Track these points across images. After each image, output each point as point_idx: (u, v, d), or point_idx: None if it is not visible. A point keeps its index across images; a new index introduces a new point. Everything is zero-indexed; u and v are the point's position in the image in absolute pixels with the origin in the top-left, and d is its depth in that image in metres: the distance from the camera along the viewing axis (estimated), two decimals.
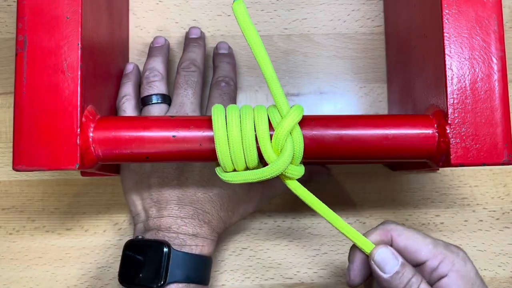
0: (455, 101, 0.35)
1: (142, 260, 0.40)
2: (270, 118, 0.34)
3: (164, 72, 0.45)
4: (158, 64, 0.45)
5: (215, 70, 0.46)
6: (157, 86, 0.43)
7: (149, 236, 0.41)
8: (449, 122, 0.34)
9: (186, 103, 0.42)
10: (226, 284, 0.48)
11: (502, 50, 0.35)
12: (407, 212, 0.49)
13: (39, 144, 0.33)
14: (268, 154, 0.34)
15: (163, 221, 0.41)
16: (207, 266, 0.42)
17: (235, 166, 0.34)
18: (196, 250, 0.41)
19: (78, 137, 0.33)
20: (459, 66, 0.35)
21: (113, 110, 0.44)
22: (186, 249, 0.40)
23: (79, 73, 0.34)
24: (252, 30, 0.34)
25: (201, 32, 0.48)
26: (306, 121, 0.35)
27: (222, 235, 0.46)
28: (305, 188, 0.36)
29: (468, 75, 0.35)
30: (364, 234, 0.37)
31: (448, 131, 0.34)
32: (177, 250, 0.39)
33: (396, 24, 0.47)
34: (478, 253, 0.49)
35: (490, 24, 0.35)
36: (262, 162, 0.35)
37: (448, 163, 0.34)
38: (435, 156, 0.35)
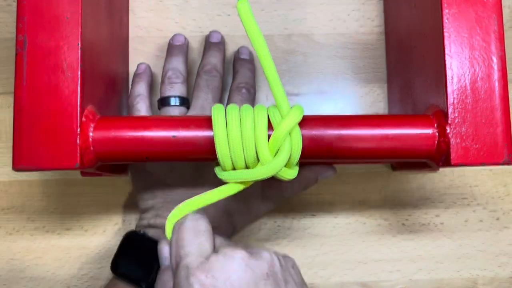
0: (455, 101, 0.35)
1: (138, 256, 0.40)
2: (270, 118, 0.34)
3: (185, 73, 0.45)
4: (180, 65, 0.44)
5: (235, 75, 0.46)
6: (178, 88, 0.43)
7: (152, 233, 0.41)
8: (449, 122, 0.34)
9: (206, 107, 0.43)
10: None
11: (502, 50, 0.35)
12: (407, 212, 0.49)
13: (39, 144, 0.33)
14: (263, 155, 0.34)
15: None
16: None
17: (234, 165, 0.34)
18: None
19: (78, 137, 0.33)
20: (459, 66, 0.35)
21: (113, 110, 0.44)
22: None
23: (79, 73, 0.34)
24: (256, 30, 0.34)
25: (222, 36, 0.48)
26: (306, 121, 0.35)
27: None
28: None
29: (468, 74, 0.35)
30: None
31: (448, 131, 0.34)
32: None
33: (396, 24, 0.47)
34: (478, 253, 0.49)
35: (490, 24, 0.35)
36: None
37: (448, 163, 0.34)
38: (435, 156, 0.35)
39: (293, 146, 0.34)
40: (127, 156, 0.35)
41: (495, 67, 0.35)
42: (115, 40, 0.45)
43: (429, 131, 0.35)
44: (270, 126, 0.34)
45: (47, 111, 0.33)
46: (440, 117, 0.35)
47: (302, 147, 0.34)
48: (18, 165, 0.33)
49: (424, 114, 0.36)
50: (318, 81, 0.50)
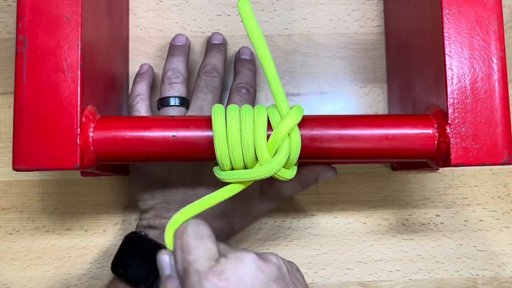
0: (455, 101, 0.35)
1: (138, 257, 0.40)
2: (270, 118, 0.34)
3: (186, 73, 0.45)
4: (180, 65, 0.44)
5: (236, 75, 0.46)
6: (178, 88, 0.43)
7: (152, 235, 0.41)
8: (449, 122, 0.34)
9: (206, 107, 0.42)
10: None
11: (502, 50, 0.35)
12: (407, 212, 0.49)
13: (39, 144, 0.33)
14: (262, 155, 0.34)
15: None
16: None
17: (233, 165, 0.34)
18: None
19: (78, 137, 0.33)
20: (459, 66, 0.35)
21: (113, 110, 0.44)
22: None
23: (79, 73, 0.34)
24: (256, 29, 0.34)
25: (223, 38, 0.48)
26: (305, 121, 0.35)
27: None
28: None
29: (468, 75, 0.35)
30: None
31: (448, 131, 0.34)
32: None
33: (396, 24, 0.47)
34: (478, 253, 0.49)
35: (490, 24, 0.35)
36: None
37: (448, 163, 0.34)
38: (435, 156, 0.35)
39: (292, 146, 0.34)
40: (127, 156, 0.35)
41: (495, 67, 0.35)
42: (115, 40, 0.45)
43: (429, 131, 0.35)
44: (269, 127, 0.34)
45: (47, 111, 0.33)
46: (440, 117, 0.35)
47: (302, 147, 0.34)
48: (18, 165, 0.33)
49: (424, 114, 0.36)
50: (318, 81, 0.50)
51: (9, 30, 0.50)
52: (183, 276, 0.32)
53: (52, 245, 0.48)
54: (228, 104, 0.44)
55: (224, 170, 0.35)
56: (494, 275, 0.48)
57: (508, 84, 0.35)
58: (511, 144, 0.34)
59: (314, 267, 0.48)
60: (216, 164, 0.35)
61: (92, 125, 0.34)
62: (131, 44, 0.49)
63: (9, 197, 0.49)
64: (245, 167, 0.35)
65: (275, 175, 0.34)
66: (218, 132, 0.34)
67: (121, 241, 0.45)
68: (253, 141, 0.34)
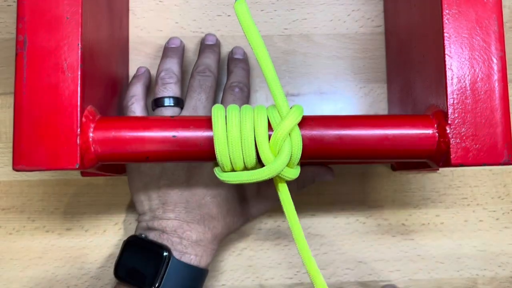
0: (455, 101, 0.35)
1: (140, 260, 0.40)
2: (269, 118, 0.34)
3: (180, 74, 0.44)
4: (174, 66, 0.44)
5: (229, 75, 0.46)
6: (172, 89, 0.43)
7: (152, 236, 0.41)
8: (449, 122, 0.34)
9: (199, 107, 0.42)
10: (226, 284, 0.48)
11: (502, 50, 0.35)
12: (407, 212, 0.49)
13: (39, 144, 0.33)
14: (265, 155, 0.34)
15: (169, 223, 0.41)
16: (203, 278, 0.43)
17: (233, 166, 0.34)
18: (194, 261, 0.41)
19: (78, 137, 0.33)
20: (459, 66, 0.35)
21: (113, 110, 0.44)
22: (186, 258, 0.40)
23: (79, 73, 0.34)
24: (253, 30, 0.34)
25: (217, 39, 0.48)
26: (306, 121, 0.35)
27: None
28: (290, 198, 0.36)
29: (468, 75, 0.35)
30: None
31: (448, 131, 0.34)
32: (176, 259, 0.40)
33: (396, 24, 0.47)
34: (478, 253, 0.49)
35: (490, 24, 0.35)
36: (261, 163, 0.35)
37: (448, 163, 0.34)
38: (435, 156, 0.35)
39: (294, 146, 0.34)
40: (127, 156, 0.35)
41: (495, 67, 0.35)
42: (115, 40, 0.45)
43: (429, 131, 0.35)
44: (269, 127, 0.34)
45: (47, 111, 0.33)
46: (440, 117, 0.35)
47: (302, 147, 0.34)
48: (18, 165, 0.33)
49: (424, 114, 0.36)
50: (318, 81, 0.50)
51: (9, 30, 0.50)
52: None
53: (52, 245, 0.48)
54: (222, 103, 0.44)
55: (225, 171, 0.35)
56: (494, 275, 0.48)
57: (508, 84, 0.35)
58: (511, 144, 0.34)
59: None
60: (216, 165, 0.35)
61: (92, 125, 0.34)
62: (131, 44, 0.49)
63: (9, 197, 0.49)
64: (245, 168, 0.35)
65: (280, 175, 0.34)
66: (218, 132, 0.34)
67: (121, 241, 0.45)
68: (253, 141, 0.34)
